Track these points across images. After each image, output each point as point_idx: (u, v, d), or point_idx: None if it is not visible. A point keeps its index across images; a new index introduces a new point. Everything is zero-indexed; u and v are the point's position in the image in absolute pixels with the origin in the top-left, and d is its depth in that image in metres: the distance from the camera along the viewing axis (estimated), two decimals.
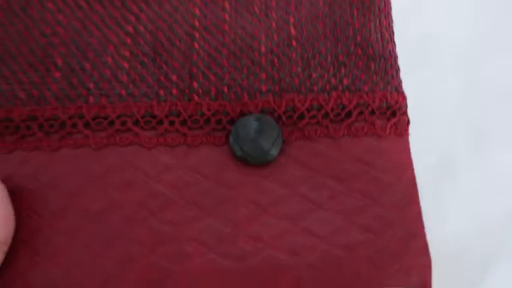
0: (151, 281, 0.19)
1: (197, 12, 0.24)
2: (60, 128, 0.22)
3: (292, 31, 0.24)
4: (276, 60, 0.23)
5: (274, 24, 0.24)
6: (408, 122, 0.23)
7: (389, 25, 0.25)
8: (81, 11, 0.24)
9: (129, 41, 0.23)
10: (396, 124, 0.23)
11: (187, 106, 0.22)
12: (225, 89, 0.23)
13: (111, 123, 0.22)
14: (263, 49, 0.23)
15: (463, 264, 0.31)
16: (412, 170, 0.22)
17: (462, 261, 0.31)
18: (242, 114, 0.22)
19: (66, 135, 0.22)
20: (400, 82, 0.24)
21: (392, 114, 0.23)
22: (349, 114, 0.22)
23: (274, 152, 0.21)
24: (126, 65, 0.23)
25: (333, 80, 0.23)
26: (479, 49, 0.42)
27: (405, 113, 0.23)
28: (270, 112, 0.22)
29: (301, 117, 0.22)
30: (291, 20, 0.24)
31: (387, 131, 0.22)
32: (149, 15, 0.24)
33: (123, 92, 0.22)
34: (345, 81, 0.23)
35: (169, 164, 0.21)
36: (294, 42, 0.24)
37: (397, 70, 0.24)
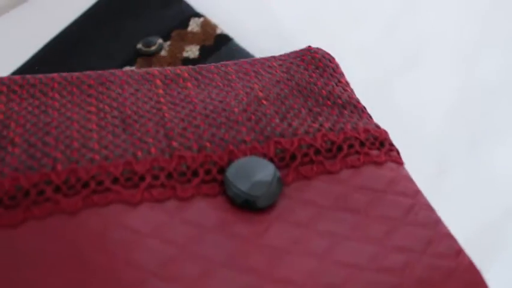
0: None
1: (160, 91, 0.23)
2: (24, 197, 0.18)
3: (260, 93, 0.24)
4: (252, 116, 0.23)
5: (240, 91, 0.24)
6: (398, 153, 0.23)
7: (347, 84, 0.26)
8: (35, 99, 0.22)
9: (94, 117, 0.22)
10: (389, 153, 0.23)
11: (170, 161, 0.20)
12: (207, 144, 0.21)
13: (86, 184, 0.19)
14: (236, 110, 0.23)
15: None
16: (424, 196, 0.22)
17: None
18: (231, 162, 0.21)
19: (30, 205, 0.18)
20: (376, 123, 0.24)
21: (381, 144, 0.23)
22: (340, 148, 0.22)
23: (277, 189, 0.20)
24: (95, 135, 0.21)
25: (314, 125, 0.23)
26: (473, 50, 0.42)
27: (393, 145, 0.23)
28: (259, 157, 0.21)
29: (294, 157, 0.22)
30: (256, 86, 0.25)
31: (383, 158, 0.22)
32: (111, 96, 0.23)
33: (96, 157, 0.20)
34: (326, 125, 0.23)
35: (162, 220, 0.19)
36: (264, 102, 0.24)
37: (370, 116, 0.24)
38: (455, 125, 0.35)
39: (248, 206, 0.19)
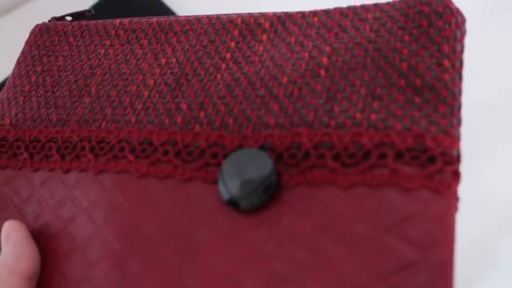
0: None
1: (232, 45, 0.23)
2: (72, 150, 0.23)
3: (324, 60, 0.21)
4: (296, 92, 0.20)
5: (306, 54, 0.21)
6: (457, 176, 0.17)
7: (453, 52, 0.19)
8: (129, 44, 0.25)
9: (157, 71, 0.24)
10: (432, 175, 0.17)
11: (186, 136, 0.21)
12: (230, 121, 0.21)
13: (112, 148, 0.22)
14: (285, 80, 0.21)
15: None
16: (452, 249, 0.16)
17: None
18: (240, 148, 0.20)
19: (74, 158, 0.22)
20: (453, 123, 0.18)
21: (429, 160, 0.17)
22: (367, 156, 0.18)
23: (263, 195, 0.18)
24: (146, 93, 0.23)
25: (358, 115, 0.19)
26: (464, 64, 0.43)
27: (451, 163, 0.17)
28: (271, 149, 0.19)
29: (307, 156, 0.18)
30: (327, 49, 0.21)
31: (415, 183, 0.17)
32: (185, 47, 0.24)
33: (133, 119, 0.23)
34: (373, 117, 0.18)
35: (156, 196, 0.20)
36: (322, 72, 0.20)
37: (453, 107, 0.18)
38: None
39: (231, 204, 0.19)
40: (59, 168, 0.23)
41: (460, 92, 0.19)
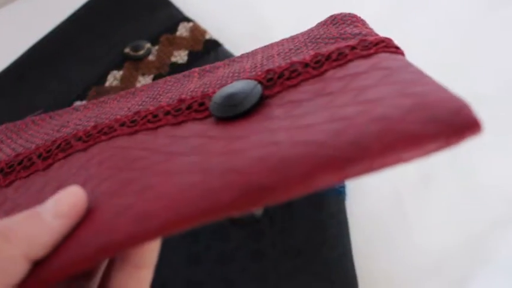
0: None
1: (196, 75, 0.28)
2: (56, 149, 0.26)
3: (275, 53, 0.26)
4: (258, 65, 0.25)
5: (259, 57, 0.26)
6: (399, 49, 0.21)
7: (366, 27, 0.25)
8: (94, 105, 0.30)
9: (132, 101, 0.28)
10: (383, 47, 0.21)
11: (173, 104, 0.24)
12: (210, 90, 0.24)
13: (101, 131, 0.25)
14: (247, 67, 0.25)
15: (443, 277, 0.31)
16: (412, 65, 0.19)
17: (442, 274, 0.31)
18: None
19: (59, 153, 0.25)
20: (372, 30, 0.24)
21: (375, 45, 0.21)
22: (328, 58, 0.22)
23: (249, 98, 0.21)
24: (118, 117, 0.26)
25: (311, 52, 0.23)
26: (459, 59, 0.43)
27: (392, 41, 0.21)
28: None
29: (281, 75, 0.22)
30: (274, 51, 0.26)
31: (372, 50, 0.21)
32: (154, 91, 0.28)
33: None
34: (324, 50, 0.23)
35: (150, 138, 0.22)
36: (275, 56, 0.25)
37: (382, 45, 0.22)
38: None
39: (226, 112, 0.21)
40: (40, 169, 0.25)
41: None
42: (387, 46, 0.21)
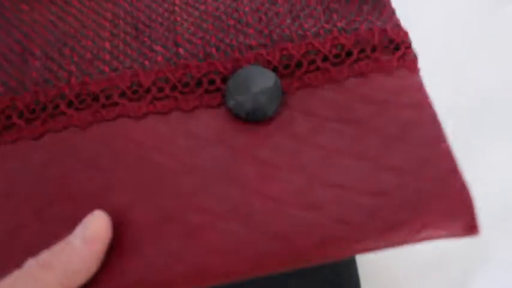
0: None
1: None
2: (42, 111, 0.21)
3: None
4: (263, 17, 0.23)
5: None
6: (416, 57, 0.21)
7: None
8: (55, 6, 0.24)
9: (108, 24, 0.23)
10: (403, 57, 0.21)
11: (175, 71, 0.21)
12: (213, 51, 0.22)
13: (96, 98, 0.21)
14: (247, 9, 0.23)
15: (446, 269, 0.31)
16: (432, 107, 0.20)
17: (445, 266, 0.31)
18: (235, 71, 0.21)
19: (48, 119, 0.20)
20: (398, 21, 0.22)
21: (395, 48, 0.21)
22: (349, 54, 0.21)
23: (272, 105, 0.20)
24: (107, 45, 0.22)
25: (326, 26, 0.22)
26: (466, 54, 0.42)
27: (410, 47, 0.21)
28: (264, 65, 0.21)
29: (299, 65, 0.21)
30: None
31: (394, 64, 0.21)
32: (127, 0, 0.24)
33: (106, 69, 0.21)
34: (339, 24, 0.22)
35: (164, 134, 0.20)
36: (279, 0, 0.23)
37: (393, 11, 0.22)
38: (446, 129, 0.34)
39: (247, 117, 0.20)
40: (26, 135, 0.20)
41: (389, 1, 0.23)
42: (404, 55, 0.21)
